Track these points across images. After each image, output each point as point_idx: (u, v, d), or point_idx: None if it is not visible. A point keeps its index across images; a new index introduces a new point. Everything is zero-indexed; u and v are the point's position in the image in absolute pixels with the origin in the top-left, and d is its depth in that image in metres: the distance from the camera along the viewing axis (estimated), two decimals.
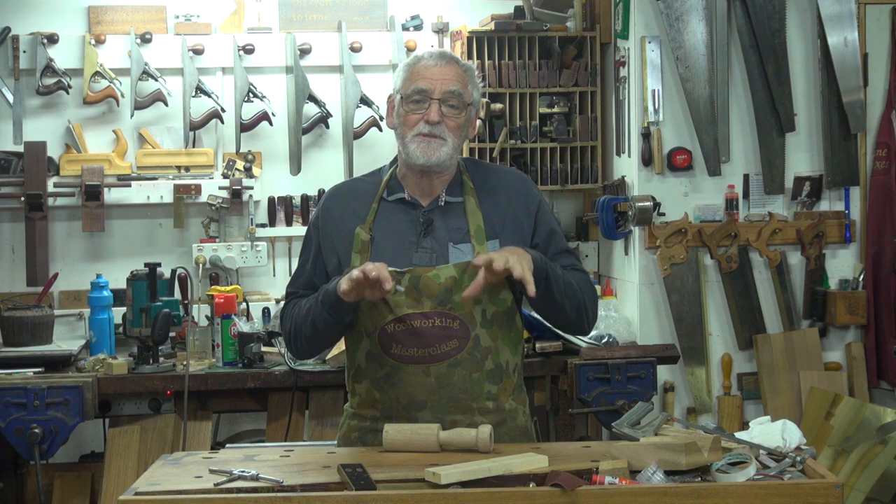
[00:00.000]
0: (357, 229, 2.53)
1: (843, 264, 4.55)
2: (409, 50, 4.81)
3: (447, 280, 2.46)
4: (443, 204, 2.55)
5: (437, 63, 2.52)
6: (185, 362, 3.80)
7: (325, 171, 4.85)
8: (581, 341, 4.04)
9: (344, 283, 2.37)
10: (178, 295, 4.18)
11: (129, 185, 4.70)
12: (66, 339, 4.31)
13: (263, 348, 3.94)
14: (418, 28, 4.88)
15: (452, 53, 2.63)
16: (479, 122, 2.64)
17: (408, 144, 2.51)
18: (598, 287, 4.69)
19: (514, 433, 2.55)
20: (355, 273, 2.33)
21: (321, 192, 4.67)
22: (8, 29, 4.65)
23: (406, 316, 2.46)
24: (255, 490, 2.14)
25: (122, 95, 4.69)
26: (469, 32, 4.67)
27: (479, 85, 2.61)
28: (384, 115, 3.80)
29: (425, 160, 2.49)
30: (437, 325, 2.46)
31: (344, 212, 2.58)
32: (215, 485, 2.16)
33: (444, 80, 2.50)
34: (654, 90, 4.39)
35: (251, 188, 4.73)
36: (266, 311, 4.32)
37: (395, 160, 2.63)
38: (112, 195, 4.68)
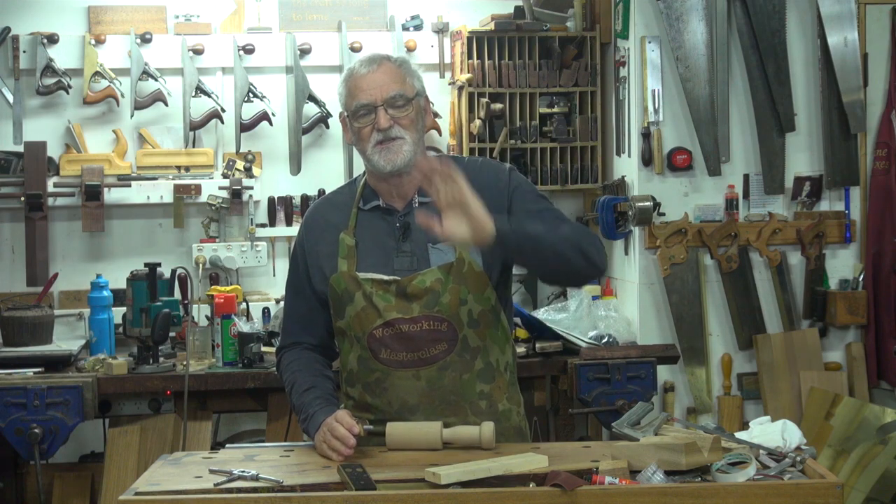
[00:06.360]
0: (341, 235, 2.56)
1: (843, 264, 4.54)
2: (410, 50, 4.81)
3: (433, 283, 2.48)
4: (417, 206, 2.55)
5: (370, 70, 2.51)
6: (185, 362, 3.80)
7: (325, 171, 4.85)
8: (581, 341, 4.04)
9: (315, 443, 2.45)
10: (178, 295, 4.18)
11: (129, 185, 4.70)
12: (66, 339, 4.30)
13: (263, 348, 3.93)
14: (418, 28, 4.88)
15: (383, 53, 2.60)
16: (432, 107, 2.62)
17: (370, 157, 2.51)
18: (598, 287, 4.69)
19: (508, 433, 2.56)
20: (324, 449, 2.40)
21: (321, 192, 4.67)
22: (8, 29, 4.65)
23: (394, 320, 2.48)
24: (255, 490, 2.14)
25: (122, 95, 4.69)
26: (469, 32, 4.67)
27: (418, 74, 2.58)
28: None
29: (392, 166, 2.49)
30: (425, 329, 2.48)
31: (326, 224, 2.60)
32: (215, 485, 2.17)
33: (382, 87, 2.49)
34: (654, 90, 4.39)
35: (251, 188, 4.73)
36: (266, 311, 4.31)
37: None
38: (112, 195, 4.68)
